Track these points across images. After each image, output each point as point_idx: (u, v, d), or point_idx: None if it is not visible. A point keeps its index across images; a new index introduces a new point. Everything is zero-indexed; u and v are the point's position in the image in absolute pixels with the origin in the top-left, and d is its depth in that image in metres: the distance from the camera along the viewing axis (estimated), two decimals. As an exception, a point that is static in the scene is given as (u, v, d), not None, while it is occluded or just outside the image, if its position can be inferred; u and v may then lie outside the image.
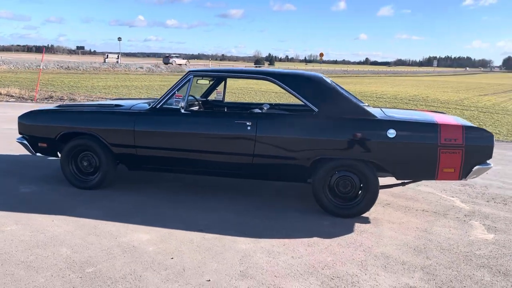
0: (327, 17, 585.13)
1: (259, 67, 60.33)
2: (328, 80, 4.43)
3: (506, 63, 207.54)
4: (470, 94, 25.93)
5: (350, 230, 3.90)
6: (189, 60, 75.94)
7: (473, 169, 3.84)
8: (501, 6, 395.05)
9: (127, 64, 47.33)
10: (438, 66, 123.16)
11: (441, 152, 3.82)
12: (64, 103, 5.22)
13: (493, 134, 4.04)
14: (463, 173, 3.87)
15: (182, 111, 4.39)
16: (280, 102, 7.26)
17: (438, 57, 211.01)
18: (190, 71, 4.59)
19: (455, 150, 3.80)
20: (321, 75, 4.48)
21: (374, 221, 4.13)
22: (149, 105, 4.78)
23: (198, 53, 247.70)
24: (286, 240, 3.61)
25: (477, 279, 3.06)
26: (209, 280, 2.90)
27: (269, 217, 4.14)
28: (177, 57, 61.92)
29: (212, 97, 5.61)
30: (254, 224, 3.94)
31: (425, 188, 5.33)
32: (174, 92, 4.50)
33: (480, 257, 3.43)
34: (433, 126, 3.90)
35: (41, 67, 16.38)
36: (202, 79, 5.01)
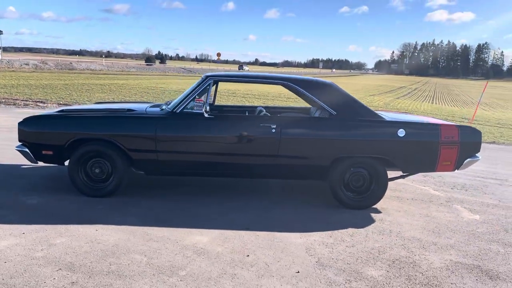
0: (217, 17, 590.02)
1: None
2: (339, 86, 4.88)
3: (378, 66, 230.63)
4: (362, 95, 28.56)
5: (370, 219, 4.40)
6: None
7: (465, 162, 4.60)
8: (373, 15, 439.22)
9: (9, 60, 42.99)
10: (323, 68, 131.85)
11: (442, 148, 4.51)
12: (66, 107, 4.89)
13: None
14: (457, 165, 4.61)
15: (206, 115, 4.49)
16: (271, 105, 7.51)
17: (321, 59, 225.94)
18: (208, 76, 4.69)
19: (453, 146, 4.53)
20: (332, 81, 4.92)
21: (384, 211, 4.69)
22: (161, 109, 4.78)
23: (80, 49, 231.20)
24: (329, 232, 3.98)
25: (495, 251, 3.77)
26: (298, 272, 3.16)
27: (297, 213, 4.47)
28: None
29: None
30: (287, 220, 4.24)
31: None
32: (195, 97, 4.57)
33: (484, 234, 4.18)
34: (435, 126, 4.59)
35: None
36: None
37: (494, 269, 3.40)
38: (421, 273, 3.25)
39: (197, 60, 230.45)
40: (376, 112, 4.79)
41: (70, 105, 12.80)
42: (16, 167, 5.59)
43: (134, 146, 4.44)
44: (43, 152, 4.48)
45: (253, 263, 3.26)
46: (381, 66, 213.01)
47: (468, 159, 4.60)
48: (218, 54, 65.90)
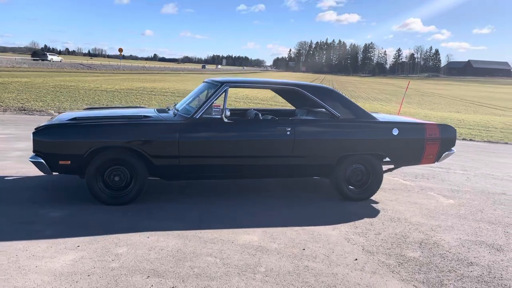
0: (110, 10, 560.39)
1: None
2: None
3: (276, 63, 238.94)
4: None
5: (375, 209, 4.98)
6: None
7: (443, 155, 5.39)
8: (269, 13, 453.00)
9: None
10: (226, 64, 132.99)
11: (427, 144, 5.25)
12: (78, 116, 4.66)
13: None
14: (437, 158, 5.38)
15: (226, 120, 4.68)
16: (261, 107, 7.63)
17: (221, 55, 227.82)
18: (225, 83, 4.86)
19: (435, 141, 5.28)
20: (332, 87, 5.38)
21: (380, 201, 5.31)
22: (174, 114, 4.85)
23: None
24: (352, 223, 4.46)
25: (485, 228, 4.55)
26: (356, 259, 3.58)
27: (313, 208, 4.88)
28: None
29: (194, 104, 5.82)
30: (310, 215, 4.63)
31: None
32: (212, 102, 4.73)
33: (467, 215, 4.98)
34: (422, 125, 5.30)
35: None
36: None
37: (495, 242, 4.15)
38: (447, 251, 3.87)
39: (90, 55, 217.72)
40: (370, 113, 5.38)
41: (65, 111, 11.80)
42: (8, 180, 5.20)
43: (157, 152, 4.48)
44: (60, 162, 4.31)
45: (314, 255, 3.60)
46: (279, 64, 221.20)
47: (446, 152, 5.40)
48: (120, 50, 63.62)
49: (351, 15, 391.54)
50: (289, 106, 6.24)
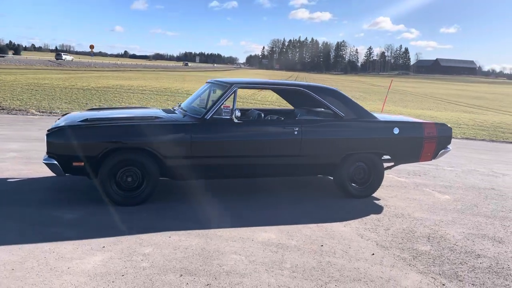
0: (78, 5, 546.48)
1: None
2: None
3: (249, 60, 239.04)
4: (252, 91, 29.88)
5: (379, 206, 5.17)
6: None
7: (439, 152, 5.63)
8: (242, 10, 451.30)
9: None
10: (200, 62, 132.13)
11: (425, 142, 5.47)
12: (90, 117, 4.63)
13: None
14: (434, 156, 5.62)
15: (236, 120, 4.76)
16: (261, 107, 7.70)
17: (193, 53, 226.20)
18: (234, 84, 4.94)
19: (432, 140, 5.51)
20: (336, 88, 5.54)
21: (382, 198, 5.50)
22: (183, 115, 4.90)
23: None
24: (360, 220, 4.62)
25: (483, 222, 4.80)
26: (373, 254, 3.74)
27: (319, 206, 5.02)
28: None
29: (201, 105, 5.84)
30: (320, 212, 4.78)
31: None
32: (222, 103, 4.80)
33: (464, 210, 5.23)
34: (420, 124, 5.53)
35: None
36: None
37: (496, 235, 4.40)
38: (455, 244, 4.08)
39: (57, 51, 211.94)
40: (371, 113, 5.57)
41: (45, 110, 11.47)
42: (11, 182, 5.12)
43: (169, 153, 4.52)
44: (74, 164, 4.29)
45: (333, 251, 3.74)
46: (252, 61, 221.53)
47: (442, 150, 5.64)
48: (91, 47, 62.37)
49: (323, 13, 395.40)
50: (283, 106, 6.36)
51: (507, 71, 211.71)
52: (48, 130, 4.34)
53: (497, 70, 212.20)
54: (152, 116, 4.73)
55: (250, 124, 4.94)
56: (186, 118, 4.78)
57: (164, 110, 5.28)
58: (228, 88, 4.90)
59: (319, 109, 5.76)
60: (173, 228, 4.00)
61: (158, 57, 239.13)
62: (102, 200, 4.51)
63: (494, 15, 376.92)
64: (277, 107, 7.89)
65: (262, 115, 5.64)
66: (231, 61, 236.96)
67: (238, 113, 4.76)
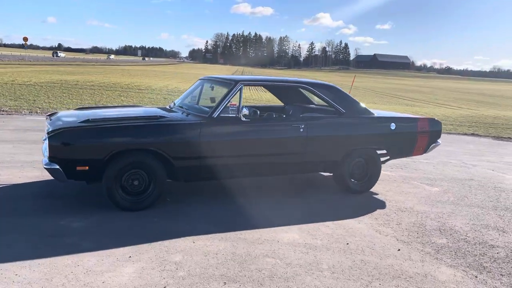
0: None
1: None
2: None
3: (192, 54, 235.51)
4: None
5: (381, 201, 5.25)
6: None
7: (430, 146, 5.82)
8: (183, 3, 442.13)
9: None
10: (141, 55, 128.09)
11: (418, 136, 5.63)
12: (92, 118, 4.24)
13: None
14: (425, 150, 5.80)
15: (243, 119, 4.62)
16: (255, 105, 7.48)
17: (134, 46, 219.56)
18: (239, 81, 4.78)
19: (425, 134, 5.68)
20: (335, 84, 5.53)
21: (380, 192, 5.60)
22: (187, 114, 4.69)
23: None
24: (370, 215, 4.67)
25: (480, 213, 5.02)
26: (399, 250, 3.78)
27: (325, 202, 5.01)
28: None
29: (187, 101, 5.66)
30: (330, 209, 4.77)
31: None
32: (228, 101, 4.64)
33: (457, 201, 5.44)
34: (414, 120, 5.67)
35: None
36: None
37: (497, 225, 4.62)
38: (467, 236, 4.23)
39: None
40: (369, 109, 5.63)
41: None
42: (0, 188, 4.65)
43: (179, 154, 4.30)
44: (78, 168, 3.96)
45: (360, 249, 3.73)
46: (195, 55, 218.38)
47: (433, 144, 5.83)
48: (25, 39, 58.83)
49: (264, 8, 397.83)
50: (273, 103, 6.30)
51: (437, 66, 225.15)
52: (48, 133, 3.97)
53: (428, 65, 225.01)
54: (157, 116, 4.47)
55: (257, 122, 4.81)
56: (192, 117, 4.57)
57: (162, 109, 5.03)
58: (233, 85, 4.74)
59: (313, 105, 5.73)
60: (190, 232, 3.82)
61: (95, 50, 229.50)
62: (100, 205, 4.28)
63: (425, 13, 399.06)
64: (267, 104, 7.80)
65: (258, 112, 5.53)
66: (173, 55, 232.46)
67: (246, 111, 4.62)
